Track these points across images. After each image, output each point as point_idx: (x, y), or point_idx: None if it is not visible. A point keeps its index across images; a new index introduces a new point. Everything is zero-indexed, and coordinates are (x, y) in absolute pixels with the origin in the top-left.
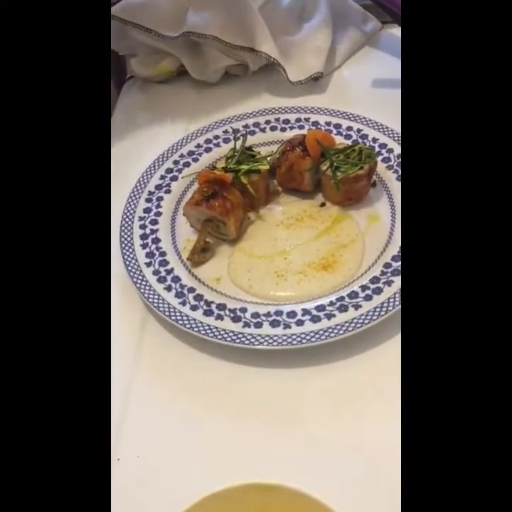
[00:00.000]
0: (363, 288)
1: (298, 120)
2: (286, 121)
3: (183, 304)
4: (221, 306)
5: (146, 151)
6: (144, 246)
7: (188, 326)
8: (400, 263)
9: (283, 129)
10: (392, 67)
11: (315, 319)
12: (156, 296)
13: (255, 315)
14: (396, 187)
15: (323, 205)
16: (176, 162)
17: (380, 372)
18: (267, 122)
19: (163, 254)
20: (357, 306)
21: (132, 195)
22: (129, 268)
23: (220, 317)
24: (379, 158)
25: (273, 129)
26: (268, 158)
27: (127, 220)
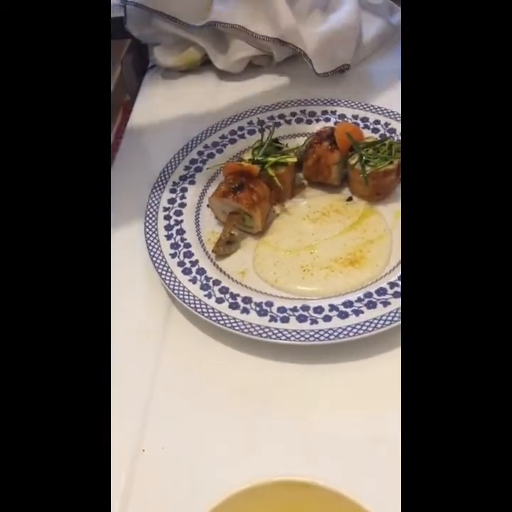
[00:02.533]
0: (392, 285)
1: (324, 112)
2: (312, 114)
3: (209, 296)
4: (247, 300)
5: (169, 142)
6: (169, 237)
7: (214, 318)
8: None
9: (309, 122)
10: None
11: (342, 315)
12: (181, 288)
13: (281, 309)
14: None
15: (349, 199)
16: (200, 153)
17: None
18: (293, 114)
19: (187, 245)
20: (386, 303)
21: (157, 185)
22: (154, 259)
23: (246, 310)
24: None
25: (298, 121)
26: (295, 151)
27: (152, 210)
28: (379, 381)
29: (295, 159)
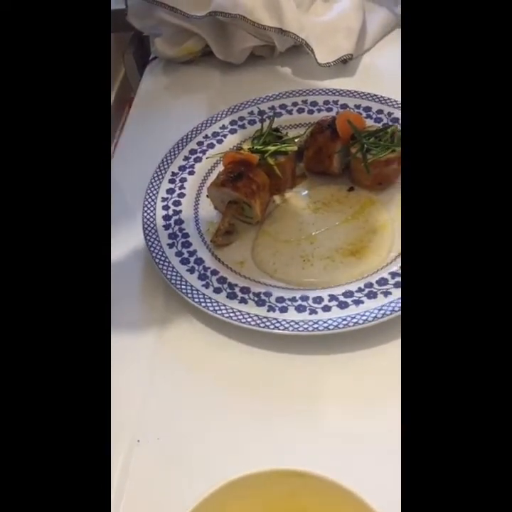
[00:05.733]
0: (393, 275)
1: (326, 102)
2: (314, 104)
3: (207, 286)
4: (245, 290)
5: (169, 132)
6: (167, 227)
7: (212, 308)
8: None
9: (310, 112)
10: None
11: (342, 305)
12: (178, 278)
13: (280, 299)
14: None
15: (351, 189)
16: (200, 143)
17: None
18: (294, 104)
19: (186, 235)
20: (386, 293)
21: (155, 175)
22: (152, 249)
23: (244, 300)
24: None
25: (300, 111)
26: (296, 140)
27: (150, 200)
28: (379, 372)
29: (295, 148)
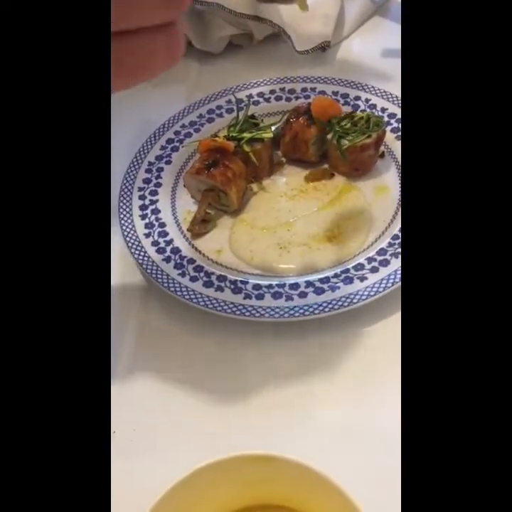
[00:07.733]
0: (370, 260)
1: (304, 90)
2: (292, 91)
3: (183, 275)
4: (221, 278)
5: (147, 122)
6: (143, 217)
7: (187, 297)
8: None
9: (288, 99)
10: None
11: (319, 291)
12: (154, 267)
13: (257, 287)
14: None
15: (329, 176)
16: (177, 132)
17: (384, 347)
18: (272, 92)
19: (162, 225)
20: (363, 278)
21: (132, 165)
22: (128, 239)
23: (220, 288)
24: (388, 128)
25: (278, 98)
26: (272, 128)
27: (126, 190)
28: (356, 359)
29: (271, 135)
